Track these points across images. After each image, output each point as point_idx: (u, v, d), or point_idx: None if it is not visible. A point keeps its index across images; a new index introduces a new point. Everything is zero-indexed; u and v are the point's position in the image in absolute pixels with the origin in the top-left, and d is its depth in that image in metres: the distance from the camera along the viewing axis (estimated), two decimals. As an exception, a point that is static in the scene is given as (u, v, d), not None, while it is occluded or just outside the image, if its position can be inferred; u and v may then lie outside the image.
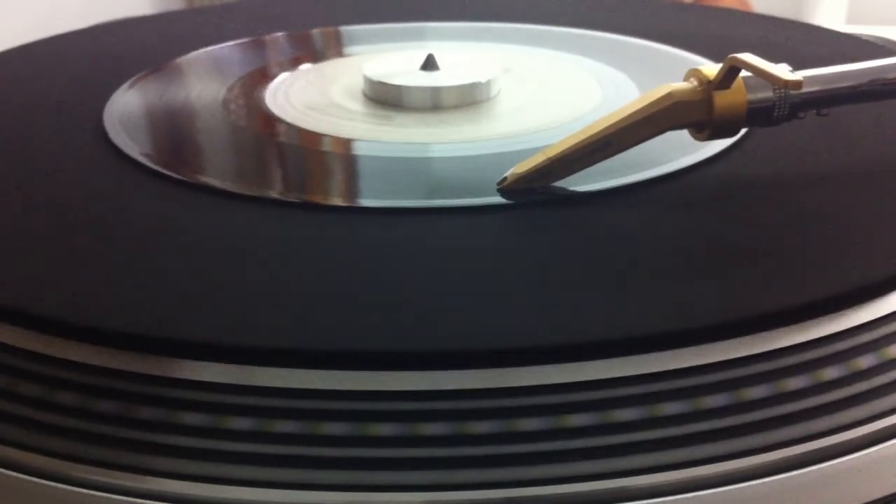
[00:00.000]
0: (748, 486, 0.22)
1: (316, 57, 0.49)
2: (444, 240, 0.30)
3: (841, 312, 0.25)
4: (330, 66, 0.47)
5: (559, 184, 0.32)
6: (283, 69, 0.46)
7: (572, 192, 0.32)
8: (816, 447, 0.23)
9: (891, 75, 0.33)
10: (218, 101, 0.42)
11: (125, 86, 0.44)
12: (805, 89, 0.31)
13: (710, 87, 0.31)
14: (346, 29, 0.55)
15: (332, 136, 0.38)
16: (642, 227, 0.30)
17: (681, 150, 0.34)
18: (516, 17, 0.54)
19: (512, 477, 0.22)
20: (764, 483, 0.22)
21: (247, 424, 0.22)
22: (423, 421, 0.22)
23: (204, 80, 0.46)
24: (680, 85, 0.32)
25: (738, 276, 0.27)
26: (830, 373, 0.24)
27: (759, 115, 0.32)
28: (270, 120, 0.40)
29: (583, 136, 0.31)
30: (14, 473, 0.23)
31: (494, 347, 0.24)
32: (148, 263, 0.28)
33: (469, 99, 0.41)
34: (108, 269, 0.28)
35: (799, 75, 0.30)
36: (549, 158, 0.31)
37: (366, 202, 0.33)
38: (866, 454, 0.23)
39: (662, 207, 0.31)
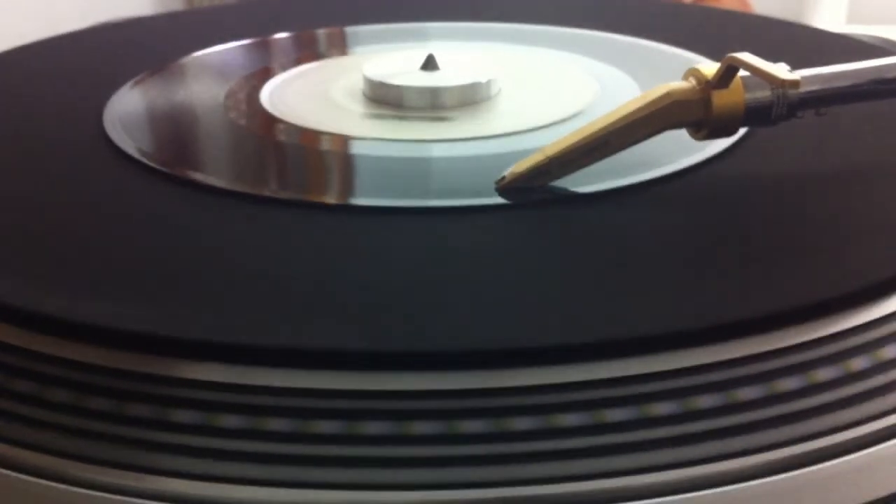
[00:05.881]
0: (748, 486, 0.22)
1: (316, 57, 0.49)
2: (444, 240, 0.30)
3: (840, 313, 0.25)
4: (330, 66, 0.47)
5: (559, 184, 0.32)
6: (284, 69, 0.46)
7: (572, 192, 0.32)
8: (816, 447, 0.23)
9: (889, 75, 0.33)
10: (218, 101, 0.42)
11: (125, 86, 0.44)
12: (803, 89, 0.31)
13: (709, 86, 0.31)
14: (346, 29, 0.55)
15: (331, 136, 0.38)
16: (642, 228, 0.30)
17: (681, 151, 0.34)
18: (516, 17, 0.54)
19: (509, 477, 0.22)
20: (764, 483, 0.22)
21: (244, 423, 0.23)
22: (422, 421, 0.22)
23: (204, 81, 0.46)
24: (678, 84, 0.32)
25: (739, 276, 0.27)
26: (829, 373, 0.24)
27: (758, 115, 0.32)
28: (270, 120, 0.40)
29: (581, 135, 0.31)
30: (15, 474, 0.23)
31: (494, 348, 0.24)
32: (148, 263, 0.28)
33: (469, 99, 0.41)
34: (108, 269, 0.28)
35: (797, 74, 0.30)
36: (548, 157, 0.32)
37: (365, 202, 0.33)
38: (866, 454, 0.23)
39: (662, 207, 0.31)
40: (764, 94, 0.31)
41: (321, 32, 0.54)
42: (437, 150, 0.37)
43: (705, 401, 0.23)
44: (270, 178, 0.37)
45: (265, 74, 0.46)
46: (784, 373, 0.24)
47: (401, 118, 0.40)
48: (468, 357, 0.24)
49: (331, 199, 0.33)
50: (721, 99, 0.31)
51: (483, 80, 0.41)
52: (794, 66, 0.31)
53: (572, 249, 0.29)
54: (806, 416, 0.23)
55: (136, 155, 0.36)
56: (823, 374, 0.24)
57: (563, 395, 0.23)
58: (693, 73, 0.32)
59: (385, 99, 0.41)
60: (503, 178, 0.32)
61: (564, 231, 0.30)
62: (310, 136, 0.38)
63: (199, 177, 0.34)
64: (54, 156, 0.37)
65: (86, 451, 0.23)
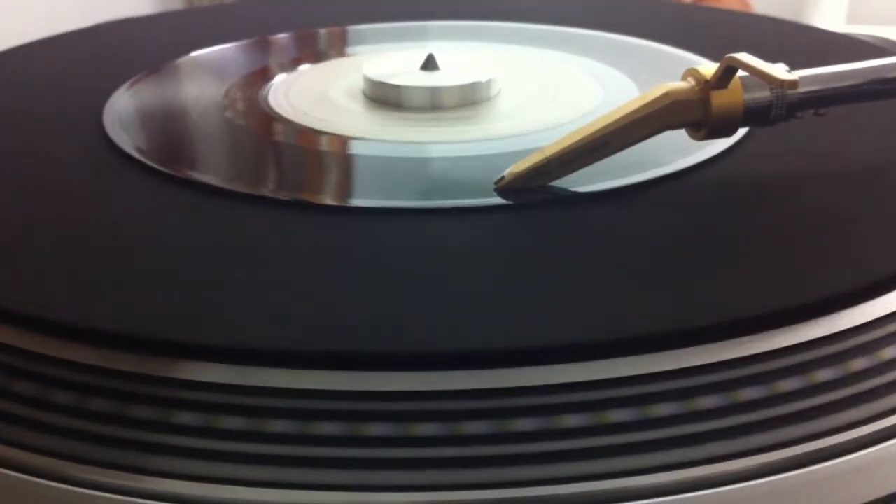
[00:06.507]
0: (748, 486, 0.22)
1: (316, 57, 0.49)
2: (443, 240, 0.30)
3: (840, 313, 0.25)
4: (330, 66, 0.47)
5: (559, 184, 0.32)
6: (283, 69, 0.46)
7: (572, 192, 0.32)
8: (816, 447, 0.23)
9: (888, 75, 0.33)
10: (218, 100, 0.42)
11: (125, 86, 0.44)
12: (802, 89, 0.31)
13: (708, 86, 0.31)
14: (346, 29, 0.55)
15: (331, 136, 0.38)
16: (642, 228, 0.30)
17: (680, 151, 0.34)
18: (516, 17, 0.54)
19: (511, 478, 0.22)
20: (764, 483, 0.22)
21: (245, 425, 0.23)
22: (424, 422, 0.22)
23: (204, 80, 0.46)
24: (677, 84, 0.32)
25: (739, 276, 0.27)
26: (830, 373, 0.24)
27: (756, 115, 0.32)
28: (270, 120, 0.40)
29: (580, 136, 0.31)
30: (16, 474, 0.23)
31: (495, 349, 0.24)
32: (147, 264, 0.28)
33: (469, 99, 0.41)
34: (108, 270, 0.28)
35: (795, 75, 0.30)
36: (547, 157, 0.32)
37: (365, 202, 0.33)
38: (866, 454, 0.23)
39: (662, 207, 0.31)
40: (763, 94, 0.32)
41: (321, 32, 0.54)
42: (437, 151, 0.37)
43: (706, 401, 0.23)
44: (269, 178, 0.37)
45: (265, 74, 0.46)
46: (785, 373, 0.24)
47: (400, 118, 0.40)
48: (469, 358, 0.24)
49: (330, 200, 0.33)
50: (720, 99, 0.31)
51: (483, 80, 0.41)
52: (794, 66, 0.31)
53: (572, 249, 0.29)
54: (806, 417, 0.23)
55: (136, 154, 0.36)
56: (824, 374, 0.24)
57: (565, 395, 0.23)
58: (692, 73, 0.32)
59: (385, 99, 0.41)
60: (502, 178, 0.32)
61: (564, 231, 0.30)
62: (309, 137, 0.38)
63: (198, 176, 0.34)
64: (54, 155, 0.37)
65: (87, 453, 0.23)
